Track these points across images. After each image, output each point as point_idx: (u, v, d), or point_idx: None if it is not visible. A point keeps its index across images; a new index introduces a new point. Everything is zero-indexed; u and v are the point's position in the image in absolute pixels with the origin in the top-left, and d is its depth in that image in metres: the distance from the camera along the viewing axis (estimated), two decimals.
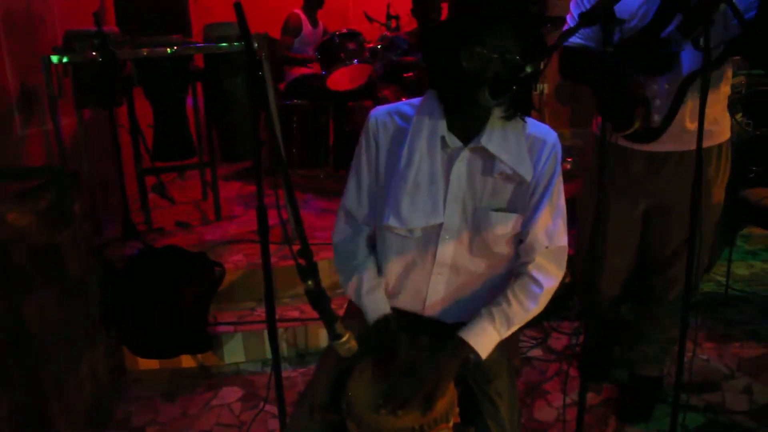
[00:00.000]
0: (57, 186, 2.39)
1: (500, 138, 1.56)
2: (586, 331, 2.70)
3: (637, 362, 2.56)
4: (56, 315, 2.31)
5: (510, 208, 1.61)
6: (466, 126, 1.58)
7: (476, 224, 1.60)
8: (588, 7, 2.09)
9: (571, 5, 2.17)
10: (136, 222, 3.76)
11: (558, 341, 3.01)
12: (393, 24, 4.93)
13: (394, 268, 1.69)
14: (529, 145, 1.59)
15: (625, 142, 2.08)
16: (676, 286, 2.30)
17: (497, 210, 1.60)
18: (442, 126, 1.58)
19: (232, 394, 2.80)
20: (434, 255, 1.63)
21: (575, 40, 2.16)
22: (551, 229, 1.62)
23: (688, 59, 1.95)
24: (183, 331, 2.89)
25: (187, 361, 3.02)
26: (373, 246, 1.75)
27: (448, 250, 1.62)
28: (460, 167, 1.58)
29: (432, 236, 1.62)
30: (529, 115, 1.66)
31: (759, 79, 3.77)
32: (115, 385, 2.82)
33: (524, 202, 1.60)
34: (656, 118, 2.02)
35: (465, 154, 1.58)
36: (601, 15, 1.57)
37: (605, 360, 2.75)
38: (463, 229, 1.61)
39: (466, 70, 1.47)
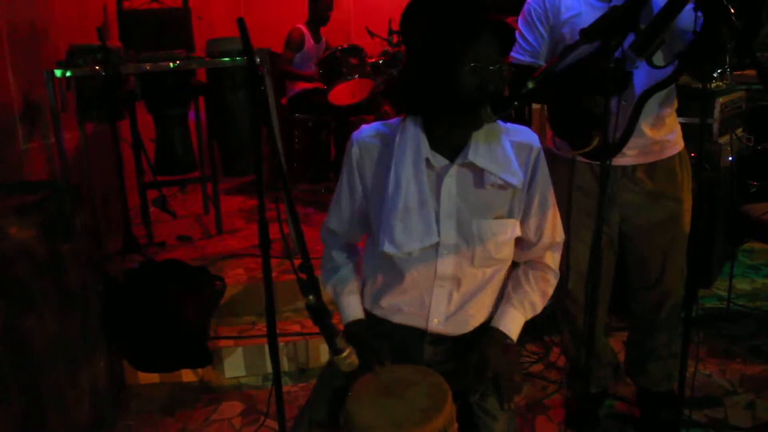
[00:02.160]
0: (58, 199, 2.40)
1: (486, 150, 1.57)
2: (572, 368, 2.61)
3: (649, 381, 2.49)
4: (56, 328, 2.31)
5: (508, 214, 1.64)
6: (450, 143, 1.58)
7: (477, 236, 1.61)
8: (539, 27, 2.13)
9: (520, 24, 2.18)
10: (138, 236, 3.77)
11: (559, 356, 2.99)
12: (395, 39, 4.95)
13: (396, 286, 1.69)
14: (516, 152, 1.61)
15: (586, 159, 2.09)
16: (669, 300, 2.31)
17: (496, 218, 1.62)
18: (425, 147, 1.57)
19: (232, 408, 2.79)
20: (434, 270, 1.64)
21: (524, 58, 2.17)
22: (555, 225, 1.70)
23: (642, 76, 1.97)
24: (183, 345, 2.88)
25: (187, 376, 3.01)
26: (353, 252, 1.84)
27: (448, 264, 1.63)
28: (449, 184, 1.59)
29: (430, 254, 1.63)
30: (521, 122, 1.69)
31: (759, 95, 3.78)
32: (115, 399, 2.81)
33: (521, 205, 1.64)
34: (614, 134, 2.03)
35: (453, 170, 1.59)
36: (601, 33, 1.58)
37: (595, 404, 2.61)
38: (462, 243, 1.62)
39: (466, 88, 1.47)
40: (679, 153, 2.23)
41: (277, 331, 1.56)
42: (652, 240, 2.27)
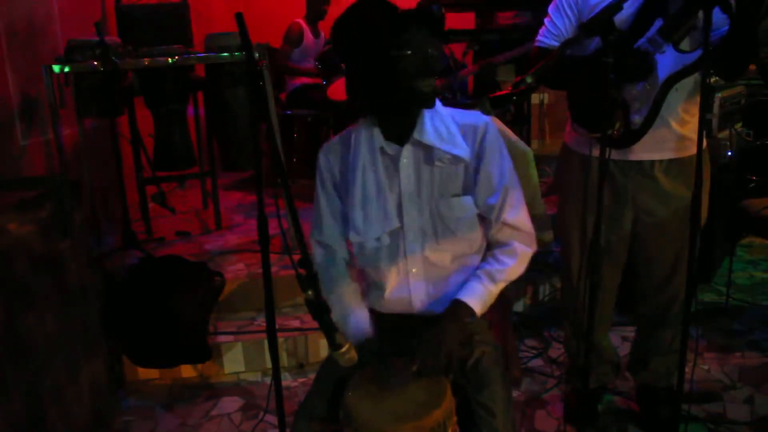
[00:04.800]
0: (57, 195, 2.40)
1: (431, 130, 1.67)
2: (571, 364, 2.61)
3: (650, 376, 2.50)
4: (55, 324, 2.31)
5: (464, 191, 1.70)
6: (400, 130, 1.68)
7: (438, 214, 1.69)
8: (569, 13, 2.13)
9: (550, 9, 2.19)
10: (137, 231, 3.77)
11: (559, 351, 3.00)
12: None
13: (376, 275, 1.77)
14: (463, 134, 1.69)
15: (613, 155, 2.08)
16: (677, 300, 2.29)
17: (453, 196, 1.69)
18: (379, 138, 1.69)
19: (232, 404, 2.80)
20: (404, 254, 1.72)
21: (549, 41, 2.19)
22: (506, 203, 1.71)
23: (667, 62, 1.96)
24: (183, 340, 2.88)
25: (186, 371, 3.02)
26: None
27: (416, 246, 1.72)
28: (405, 166, 1.69)
29: (398, 238, 1.72)
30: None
31: (758, 90, 3.78)
32: (115, 395, 2.81)
33: (473, 181, 1.70)
34: (636, 119, 2.03)
35: (405, 152, 1.68)
36: (602, 25, 1.59)
37: (594, 399, 2.60)
38: (426, 224, 1.70)
39: (401, 74, 1.56)
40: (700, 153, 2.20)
41: (277, 327, 1.57)
42: (664, 242, 2.24)
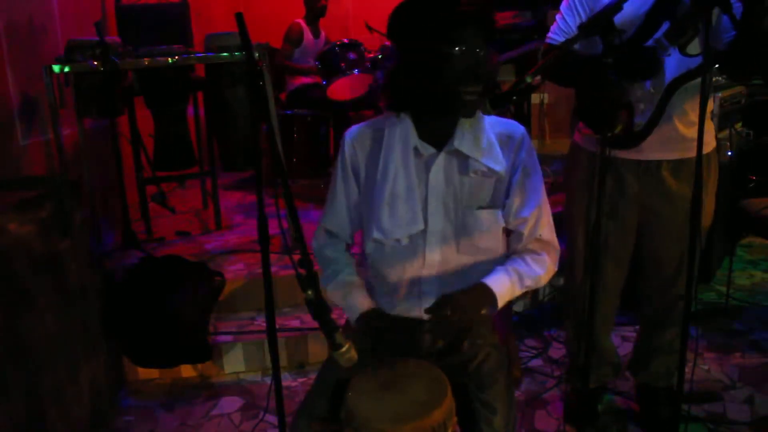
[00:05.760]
0: (58, 195, 2.40)
1: (471, 138, 1.63)
2: (572, 364, 2.62)
3: (650, 376, 2.51)
4: (56, 324, 2.31)
5: (492, 204, 1.67)
6: (437, 132, 1.65)
7: (462, 224, 1.66)
8: (581, 11, 2.13)
9: (563, 6, 2.19)
10: (137, 231, 3.77)
11: (559, 351, 3.00)
12: None
13: (389, 276, 1.73)
14: (500, 141, 1.66)
15: (619, 154, 2.08)
16: (681, 301, 2.29)
17: (480, 208, 1.66)
18: (414, 136, 1.64)
19: (232, 404, 2.80)
20: (423, 258, 1.68)
21: (560, 39, 2.19)
22: (541, 218, 1.69)
23: (673, 65, 1.96)
24: (183, 340, 2.88)
25: (186, 371, 3.02)
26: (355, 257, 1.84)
27: (435, 252, 1.68)
28: (437, 172, 1.65)
29: (419, 241, 1.68)
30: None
31: (758, 89, 3.78)
32: (115, 395, 2.81)
33: (504, 194, 1.67)
34: (639, 121, 2.03)
35: (440, 159, 1.65)
36: (600, 26, 1.58)
37: (594, 399, 2.60)
38: (448, 231, 1.67)
39: (449, 74, 1.52)
40: (708, 153, 2.17)
41: (277, 327, 1.57)
42: (670, 243, 2.24)
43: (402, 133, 1.65)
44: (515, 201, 1.67)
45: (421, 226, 1.65)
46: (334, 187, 1.77)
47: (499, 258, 1.74)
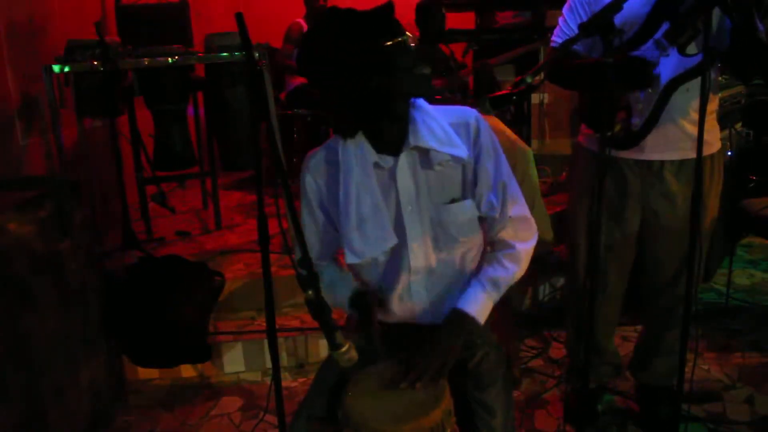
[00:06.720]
0: (57, 195, 2.40)
1: (426, 132, 1.58)
2: (572, 364, 2.62)
3: (651, 376, 2.50)
4: (56, 324, 2.31)
5: (464, 196, 1.65)
6: (391, 140, 1.60)
7: (438, 221, 1.64)
8: (581, 13, 2.12)
9: (565, 9, 2.19)
10: (137, 231, 3.77)
11: (559, 351, 3.00)
12: None
13: (376, 287, 1.73)
14: (456, 129, 1.62)
15: (621, 153, 2.08)
16: (683, 302, 2.29)
17: (453, 201, 1.64)
18: (371, 152, 1.60)
19: (232, 404, 2.80)
20: (408, 265, 1.67)
21: (560, 40, 2.18)
22: (510, 198, 1.67)
23: (671, 65, 1.96)
24: (183, 340, 2.88)
25: (186, 371, 3.01)
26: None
27: (419, 256, 1.66)
28: (403, 176, 1.61)
29: (400, 251, 1.66)
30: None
31: (758, 89, 3.78)
32: (115, 395, 2.81)
33: (472, 181, 1.64)
34: (636, 122, 2.03)
35: (402, 162, 1.61)
36: (600, 26, 1.59)
37: (594, 399, 2.59)
38: (426, 231, 1.65)
39: (383, 89, 1.47)
40: (712, 155, 2.17)
41: (277, 327, 1.57)
42: (672, 245, 2.23)
43: (358, 152, 1.60)
44: (482, 187, 1.64)
45: (395, 241, 1.63)
46: (302, 219, 1.73)
47: (480, 248, 1.74)
